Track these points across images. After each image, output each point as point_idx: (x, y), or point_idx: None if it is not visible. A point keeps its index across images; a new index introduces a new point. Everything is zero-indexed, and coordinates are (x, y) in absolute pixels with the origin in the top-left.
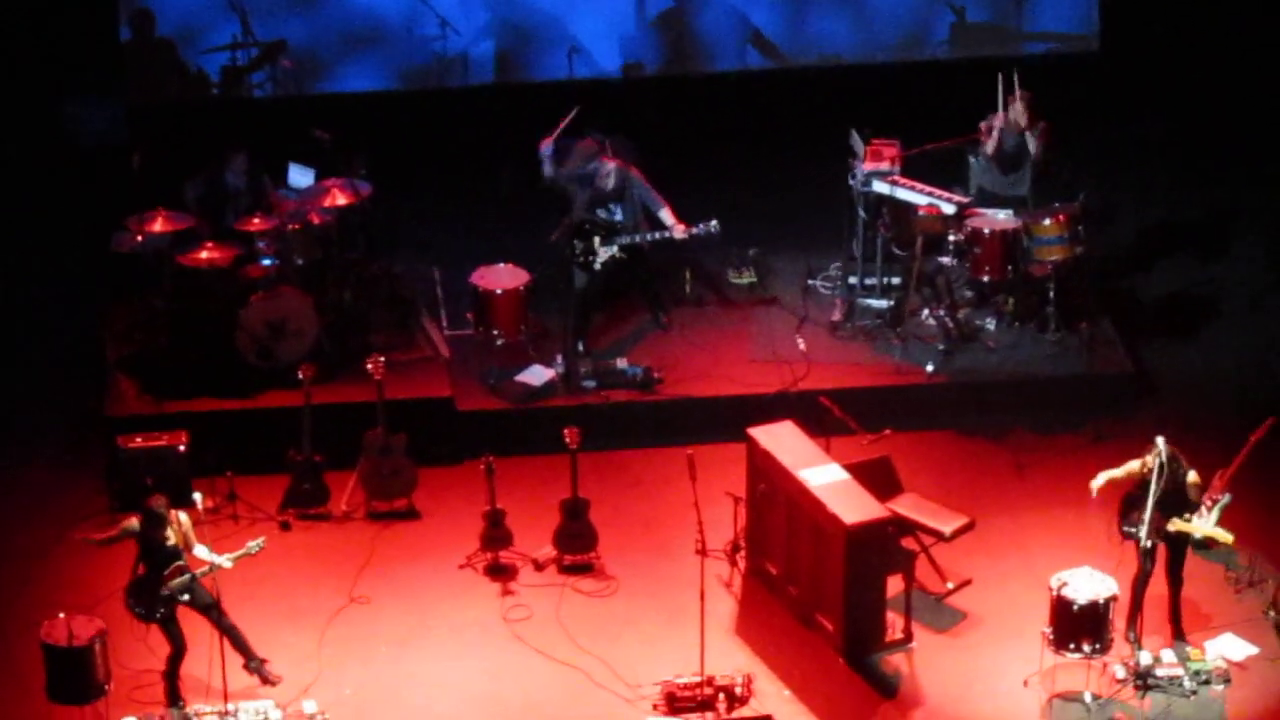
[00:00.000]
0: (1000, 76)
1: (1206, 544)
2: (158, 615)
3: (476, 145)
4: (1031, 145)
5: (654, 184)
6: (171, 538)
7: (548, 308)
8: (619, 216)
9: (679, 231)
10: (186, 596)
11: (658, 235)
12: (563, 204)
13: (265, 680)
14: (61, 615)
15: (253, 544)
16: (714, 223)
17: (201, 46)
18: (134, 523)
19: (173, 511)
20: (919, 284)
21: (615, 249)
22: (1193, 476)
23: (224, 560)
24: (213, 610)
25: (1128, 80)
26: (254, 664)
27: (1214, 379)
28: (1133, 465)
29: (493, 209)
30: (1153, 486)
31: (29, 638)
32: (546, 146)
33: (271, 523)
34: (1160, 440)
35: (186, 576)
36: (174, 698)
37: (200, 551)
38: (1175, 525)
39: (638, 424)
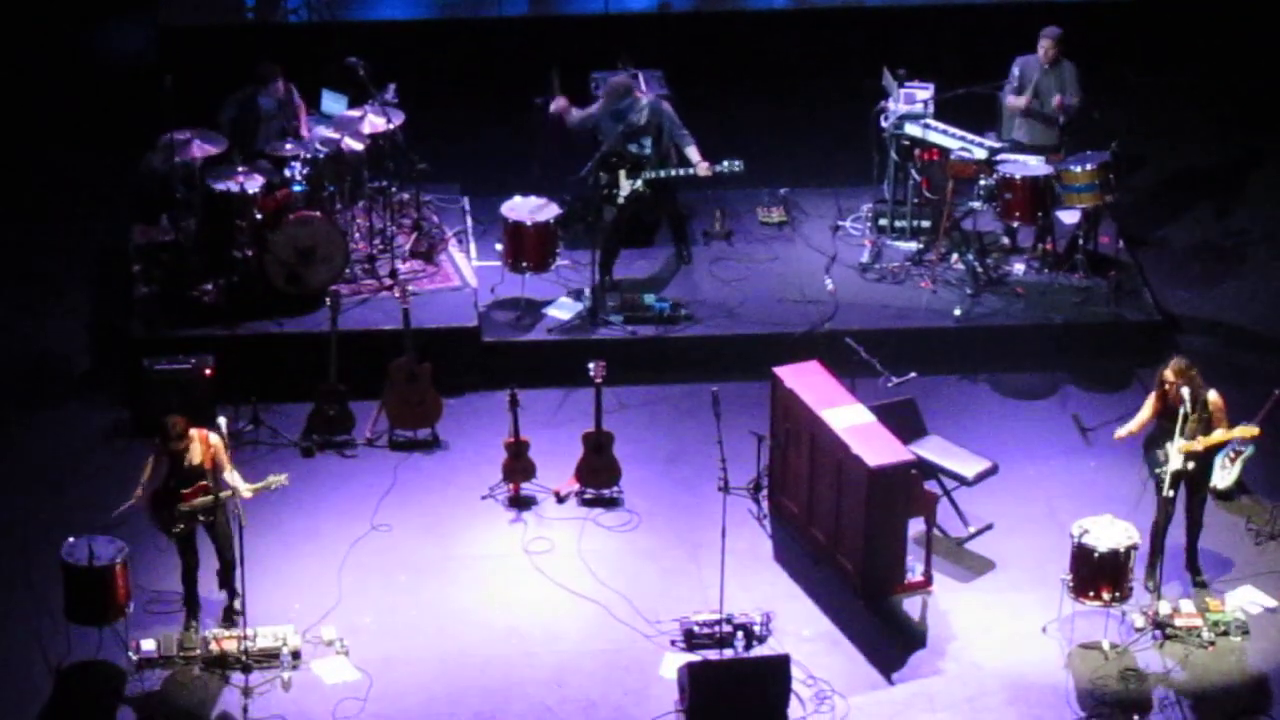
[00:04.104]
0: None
1: (1228, 494)
2: (176, 530)
3: (509, 76)
4: (1064, 91)
5: (685, 121)
6: (197, 456)
7: (577, 241)
8: (649, 151)
9: (703, 169)
10: (209, 518)
11: (682, 172)
12: (598, 140)
13: (227, 617)
14: (83, 536)
15: (274, 478)
16: (738, 162)
17: None
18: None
19: (201, 431)
20: (949, 228)
21: (639, 183)
22: (1213, 395)
23: (245, 489)
24: (227, 545)
25: (1162, 27)
26: (229, 604)
27: (1241, 326)
28: (1150, 400)
29: (524, 141)
30: (1183, 412)
31: (50, 557)
32: (559, 109)
33: (295, 449)
34: (1178, 358)
35: (209, 497)
36: (194, 611)
37: (229, 477)
38: (1203, 441)
39: (663, 359)
